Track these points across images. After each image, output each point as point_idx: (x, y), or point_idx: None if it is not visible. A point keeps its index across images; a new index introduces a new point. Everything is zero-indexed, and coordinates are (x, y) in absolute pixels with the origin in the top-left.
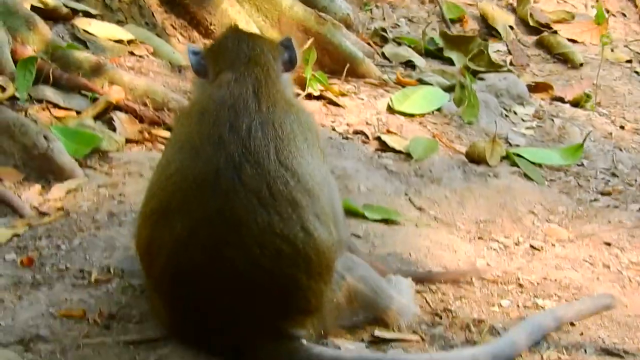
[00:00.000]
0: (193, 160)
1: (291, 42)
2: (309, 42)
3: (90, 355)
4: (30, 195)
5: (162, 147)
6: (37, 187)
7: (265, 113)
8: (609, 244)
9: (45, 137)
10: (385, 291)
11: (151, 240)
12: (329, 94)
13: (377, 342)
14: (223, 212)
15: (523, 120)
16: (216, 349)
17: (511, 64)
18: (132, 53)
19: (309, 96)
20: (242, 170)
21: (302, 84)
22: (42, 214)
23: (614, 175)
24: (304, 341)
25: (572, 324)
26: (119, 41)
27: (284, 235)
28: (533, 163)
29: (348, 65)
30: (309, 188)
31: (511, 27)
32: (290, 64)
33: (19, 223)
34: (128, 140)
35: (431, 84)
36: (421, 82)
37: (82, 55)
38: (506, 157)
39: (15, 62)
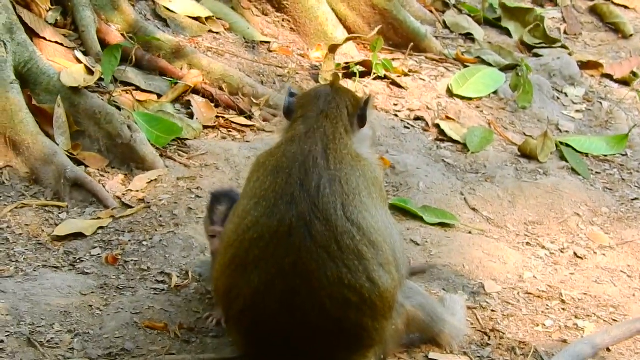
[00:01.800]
0: (268, 218)
1: (369, 100)
2: (376, 29)
3: None
4: (113, 185)
5: (236, 134)
6: (120, 176)
7: (332, 170)
8: None
9: (129, 127)
10: (440, 316)
11: (230, 288)
12: (392, 75)
13: None
14: (296, 266)
15: (573, 102)
16: None
17: (565, 32)
18: (210, 31)
19: (375, 78)
20: (312, 227)
21: (369, 67)
22: (125, 206)
23: None
24: None
25: (608, 350)
26: (197, 18)
27: (352, 287)
28: (580, 152)
29: (412, 42)
30: (373, 240)
31: None
32: (360, 122)
33: (103, 214)
34: (205, 127)
35: (489, 63)
36: (480, 60)
37: (164, 37)
38: (556, 149)
39: (100, 41)
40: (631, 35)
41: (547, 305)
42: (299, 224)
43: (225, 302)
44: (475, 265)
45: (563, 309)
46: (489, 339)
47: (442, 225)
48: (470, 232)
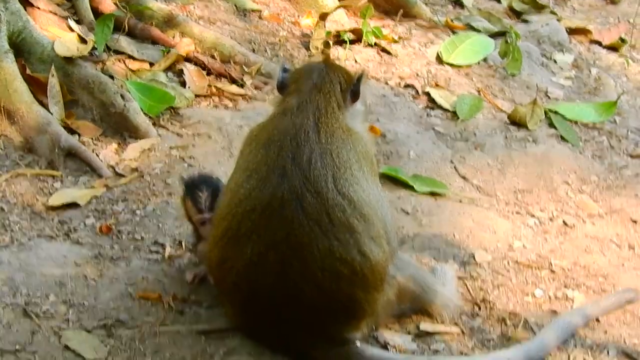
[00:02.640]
0: (260, 190)
1: (362, 76)
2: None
3: (166, 344)
4: (107, 154)
5: (228, 102)
6: (114, 145)
7: (324, 143)
8: (635, 222)
9: (122, 97)
10: (431, 287)
11: (223, 260)
12: (382, 42)
13: (422, 335)
14: (289, 239)
15: (562, 69)
16: (280, 349)
17: None
18: None
19: (366, 45)
20: (304, 200)
21: (359, 34)
22: (119, 175)
23: None
24: (358, 343)
25: (597, 320)
26: None
27: (343, 259)
28: (569, 120)
29: (401, 9)
30: (364, 213)
31: None
32: (353, 97)
33: (97, 184)
34: (197, 95)
35: (478, 30)
36: (469, 26)
37: (156, 6)
38: (545, 116)
39: (93, 10)
40: (619, 1)
41: (537, 275)
42: (290, 197)
43: (218, 274)
44: (466, 234)
45: (552, 279)
46: (479, 309)
47: (433, 194)
48: (460, 201)
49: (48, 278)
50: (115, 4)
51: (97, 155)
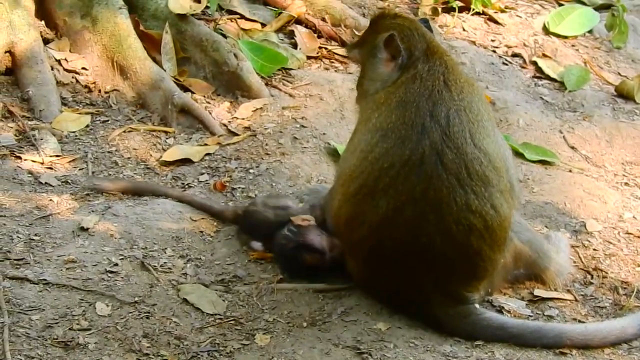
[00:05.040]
0: (399, 148)
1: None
2: None
3: (283, 301)
4: (219, 112)
5: (339, 65)
6: (226, 104)
7: (456, 100)
8: None
9: (235, 56)
10: (547, 253)
11: (354, 215)
12: (490, 11)
13: (535, 301)
14: (427, 193)
15: None
16: (400, 305)
17: None
18: None
19: (473, 14)
20: (444, 155)
21: (468, 2)
22: (231, 133)
23: None
24: (477, 305)
25: None
26: None
27: (477, 212)
28: None
29: None
30: (497, 166)
31: None
32: None
33: (210, 141)
34: (308, 57)
35: (584, 2)
36: None
37: None
38: None
39: None
40: None
41: None
42: (431, 152)
43: (347, 229)
44: (577, 203)
45: None
46: (592, 277)
47: (543, 162)
48: (570, 171)
49: (165, 232)
50: None
51: (210, 113)
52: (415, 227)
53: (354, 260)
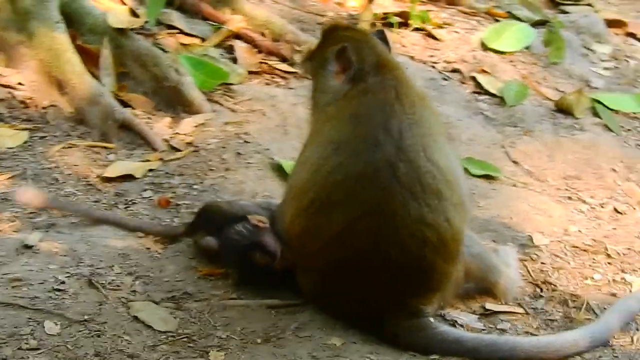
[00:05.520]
0: (353, 161)
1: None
2: None
3: (236, 318)
4: (161, 128)
5: (280, 80)
6: (167, 119)
7: (409, 114)
8: None
9: (176, 71)
10: (496, 267)
11: (307, 228)
12: (428, 27)
13: (487, 315)
14: (381, 206)
15: (601, 60)
16: (355, 320)
17: None
18: None
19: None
20: (397, 168)
21: (407, 18)
22: (173, 149)
23: None
24: (432, 319)
25: None
26: None
27: (431, 225)
28: (611, 110)
29: None
30: (449, 179)
31: None
32: None
33: (152, 157)
34: (249, 72)
35: (519, 18)
36: (510, 14)
37: None
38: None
39: None
40: None
41: (594, 259)
42: (385, 166)
43: (300, 242)
44: (522, 217)
45: (609, 263)
46: (542, 291)
47: (487, 177)
48: (514, 185)
49: (111, 249)
50: None
51: (151, 129)
52: (370, 240)
53: (306, 275)
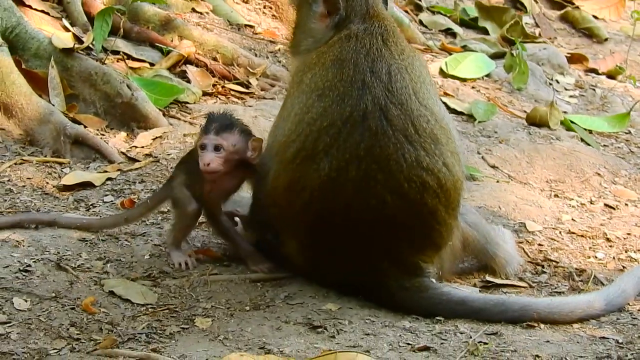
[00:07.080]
0: (339, 105)
1: None
2: None
3: (220, 291)
4: (116, 142)
5: (236, 100)
6: (122, 134)
7: (398, 60)
8: None
9: (129, 86)
10: (494, 239)
11: (293, 181)
12: None
13: (488, 287)
14: (372, 151)
15: (566, 89)
16: (349, 284)
17: (539, 35)
18: (194, 10)
19: None
20: (388, 110)
21: None
22: (132, 160)
23: None
24: (433, 280)
25: None
26: None
27: (430, 169)
28: (584, 129)
29: None
30: (444, 126)
31: (535, 1)
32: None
33: (110, 168)
34: (204, 93)
35: (476, 51)
36: (466, 49)
37: (152, 10)
38: (561, 123)
39: (86, 14)
40: (606, 40)
41: (594, 242)
42: (374, 108)
43: (286, 199)
44: (511, 207)
45: (611, 246)
46: (543, 267)
47: (468, 177)
48: (497, 181)
49: (76, 240)
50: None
51: (107, 143)
52: (362, 187)
53: (294, 239)
